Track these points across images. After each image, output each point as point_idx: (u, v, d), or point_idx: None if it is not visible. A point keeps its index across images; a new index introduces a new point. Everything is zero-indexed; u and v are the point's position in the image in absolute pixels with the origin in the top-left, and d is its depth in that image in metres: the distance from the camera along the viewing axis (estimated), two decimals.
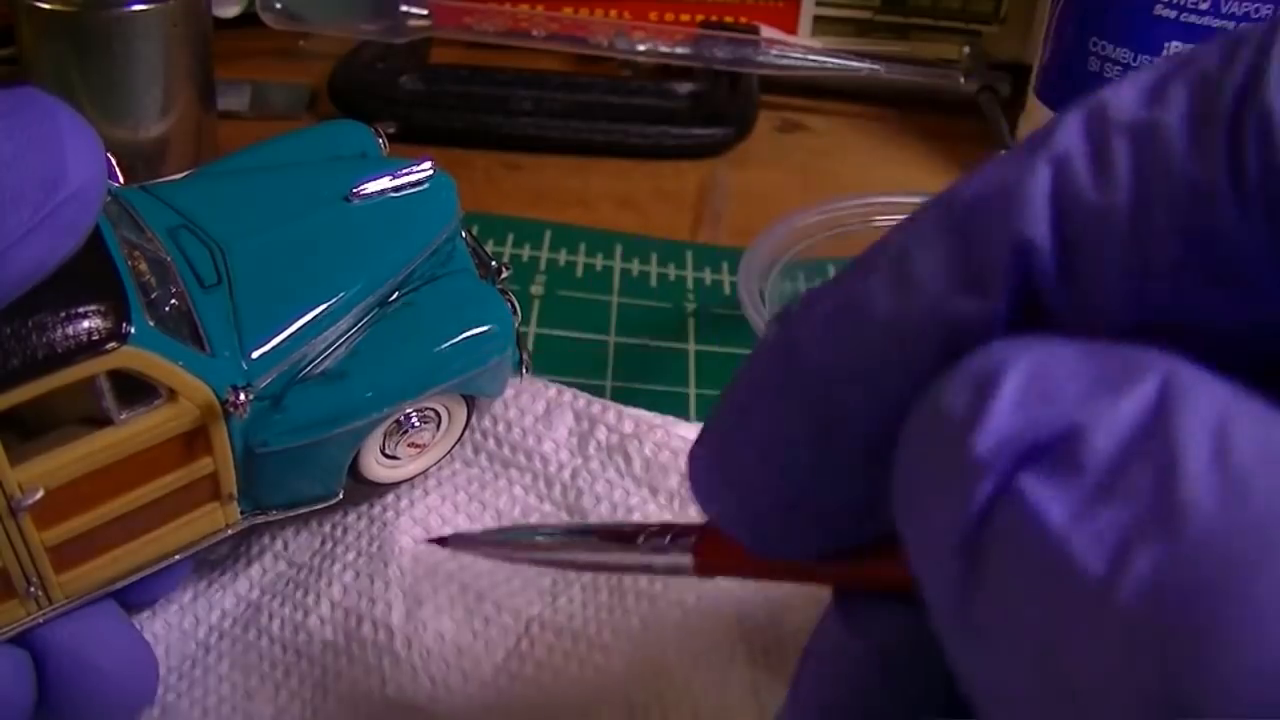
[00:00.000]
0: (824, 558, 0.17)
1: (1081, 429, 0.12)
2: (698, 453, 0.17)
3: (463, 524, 0.34)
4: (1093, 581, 0.11)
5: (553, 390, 0.37)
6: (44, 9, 0.44)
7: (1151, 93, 0.13)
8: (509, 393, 0.36)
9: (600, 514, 0.34)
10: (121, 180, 0.31)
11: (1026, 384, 0.13)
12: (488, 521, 0.34)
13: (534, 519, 0.34)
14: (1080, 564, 0.11)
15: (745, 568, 0.20)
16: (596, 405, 0.36)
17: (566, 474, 0.35)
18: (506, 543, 0.25)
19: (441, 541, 0.27)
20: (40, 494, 0.25)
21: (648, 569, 0.22)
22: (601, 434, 0.35)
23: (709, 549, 0.20)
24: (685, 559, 0.21)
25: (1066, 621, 0.11)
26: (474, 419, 0.36)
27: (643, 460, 0.35)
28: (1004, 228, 0.14)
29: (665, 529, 0.21)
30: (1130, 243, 0.13)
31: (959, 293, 0.14)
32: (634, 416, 0.36)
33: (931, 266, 0.14)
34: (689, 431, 0.37)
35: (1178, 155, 0.13)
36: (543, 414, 0.36)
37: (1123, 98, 0.14)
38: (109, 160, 0.30)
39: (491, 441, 0.36)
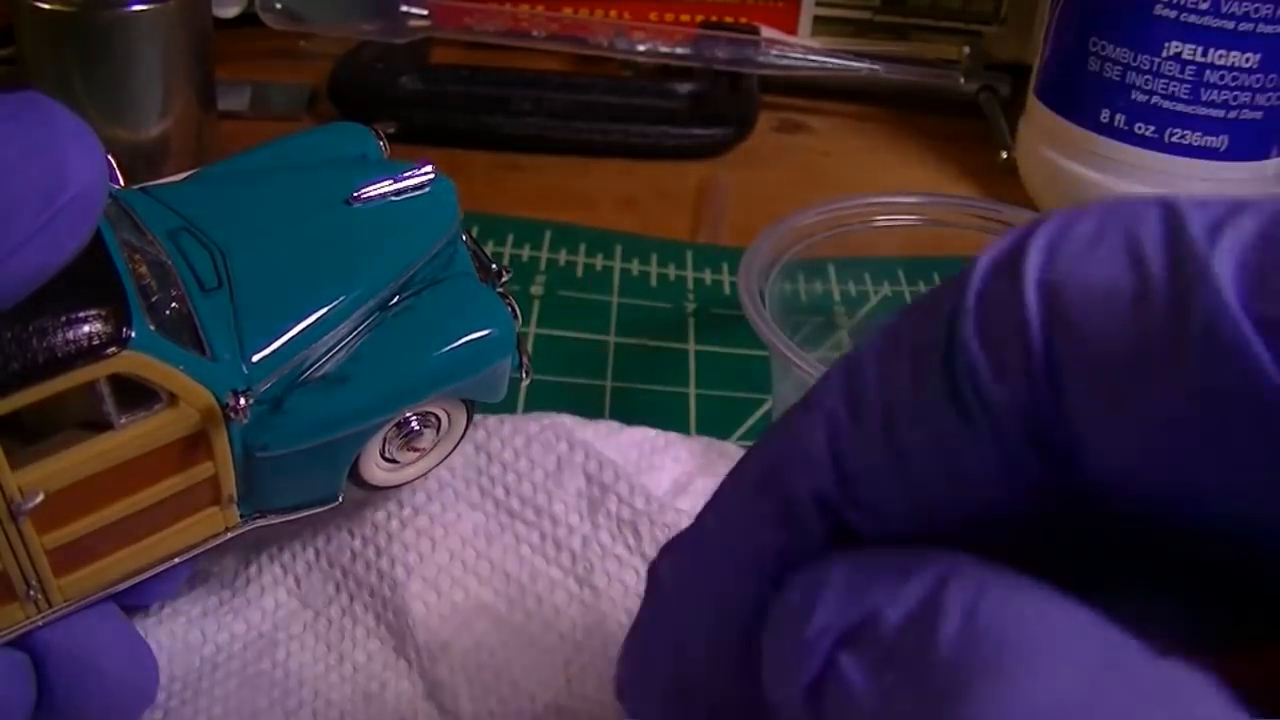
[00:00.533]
0: None
1: (878, 611, 0.15)
2: (620, 670, 0.22)
3: (472, 585, 0.33)
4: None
5: (564, 444, 0.36)
6: (44, 9, 0.44)
7: (888, 351, 0.17)
8: (519, 441, 0.36)
9: (612, 596, 0.33)
10: (122, 182, 0.31)
11: (842, 584, 0.16)
12: (496, 585, 0.33)
13: (541, 585, 0.33)
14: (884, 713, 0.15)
15: None
16: (609, 472, 0.36)
17: (576, 542, 0.34)
18: None
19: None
20: (40, 498, 0.25)
21: None
22: (612, 504, 0.35)
23: None
24: None
25: None
26: (482, 463, 0.35)
27: (653, 541, 0.34)
28: (803, 485, 0.17)
29: None
30: (894, 469, 0.16)
31: (784, 535, 0.18)
32: (645, 492, 0.35)
33: (759, 521, 0.18)
34: (693, 456, 0.37)
35: (905, 388, 0.16)
36: (553, 470, 0.36)
37: (866, 351, 0.17)
38: (109, 162, 0.30)
39: (500, 489, 0.35)
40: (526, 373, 0.34)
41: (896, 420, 0.16)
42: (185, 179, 0.33)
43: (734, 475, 0.20)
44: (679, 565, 0.20)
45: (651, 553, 0.34)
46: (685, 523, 0.35)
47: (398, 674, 0.31)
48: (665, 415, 0.38)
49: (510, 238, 0.51)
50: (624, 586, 0.34)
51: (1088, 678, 0.13)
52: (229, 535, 0.30)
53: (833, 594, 0.16)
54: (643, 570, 0.34)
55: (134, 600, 0.30)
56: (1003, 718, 0.13)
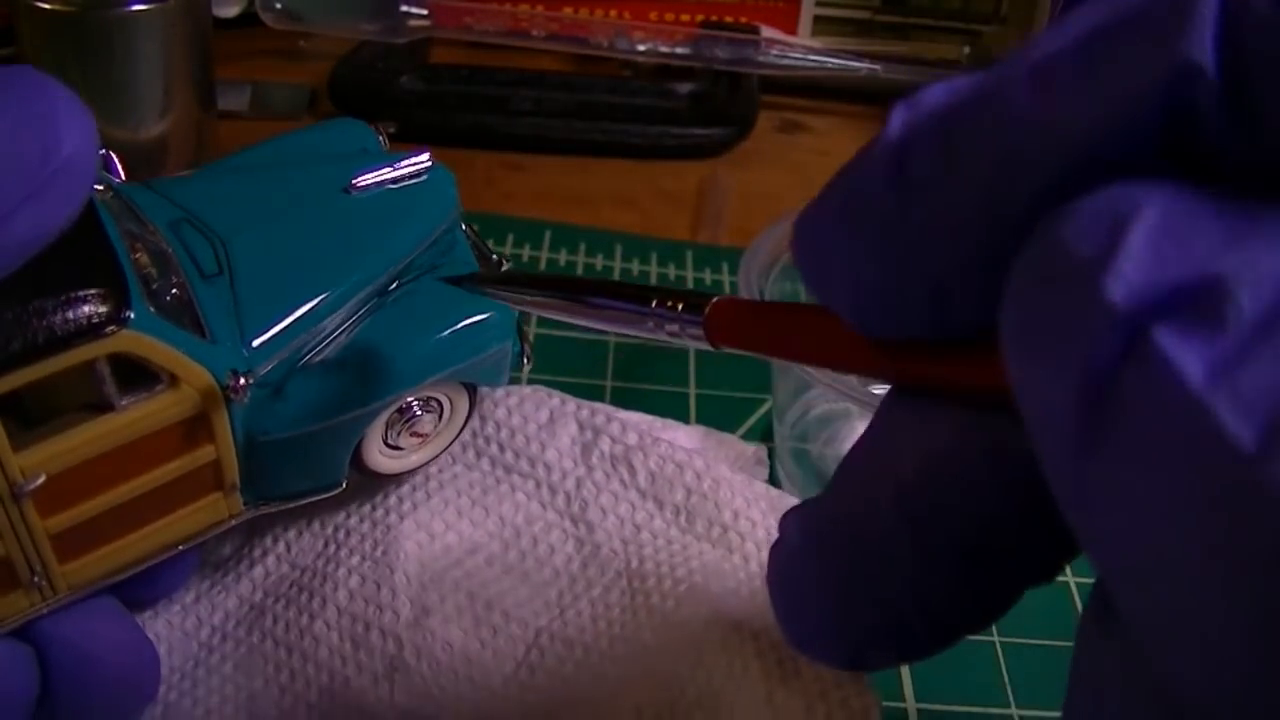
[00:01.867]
0: (906, 347, 0.17)
1: (1224, 280, 0.11)
2: (813, 220, 0.17)
3: (466, 529, 0.34)
4: (1241, 456, 0.10)
5: (555, 399, 0.36)
6: (44, 9, 0.44)
7: None
8: (512, 400, 0.36)
9: (607, 527, 0.34)
10: (123, 176, 0.31)
11: (1162, 225, 0.12)
12: (491, 528, 0.34)
13: (537, 527, 0.34)
14: (1227, 434, 0.10)
15: (758, 341, 0.20)
16: (600, 415, 0.36)
17: (570, 483, 0.35)
18: (520, 289, 0.26)
19: (456, 281, 0.27)
20: (42, 479, 0.25)
21: (657, 332, 0.22)
22: (605, 445, 0.35)
23: (721, 318, 0.20)
24: (697, 327, 0.21)
25: (1205, 496, 0.10)
26: (476, 425, 0.35)
27: (647, 473, 0.34)
28: (1162, 47, 0.12)
29: (679, 296, 0.21)
30: None
31: (1100, 121, 0.13)
32: (637, 428, 0.36)
33: (1076, 84, 0.13)
34: (691, 442, 0.37)
35: None
36: (546, 422, 0.36)
37: None
38: (112, 157, 0.30)
39: (495, 447, 0.36)
40: (528, 359, 0.34)
41: None
42: (185, 174, 0.33)
43: (1054, 32, 0.14)
44: (946, 129, 0.15)
45: (647, 486, 0.34)
46: (677, 454, 0.35)
47: (382, 607, 0.31)
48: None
49: (510, 237, 0.51)
50: (619, 520, 0.34)
51: None
52: (232, 522, 0.30)
53: (1148, 233, 0.12)
54: (636, 503, 0.34)
55: (139, 595, 0.30)
56: None
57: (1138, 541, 0.11)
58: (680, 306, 0.21)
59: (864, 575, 0.17)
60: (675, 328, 0.21)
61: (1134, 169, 0.13)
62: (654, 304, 0.22)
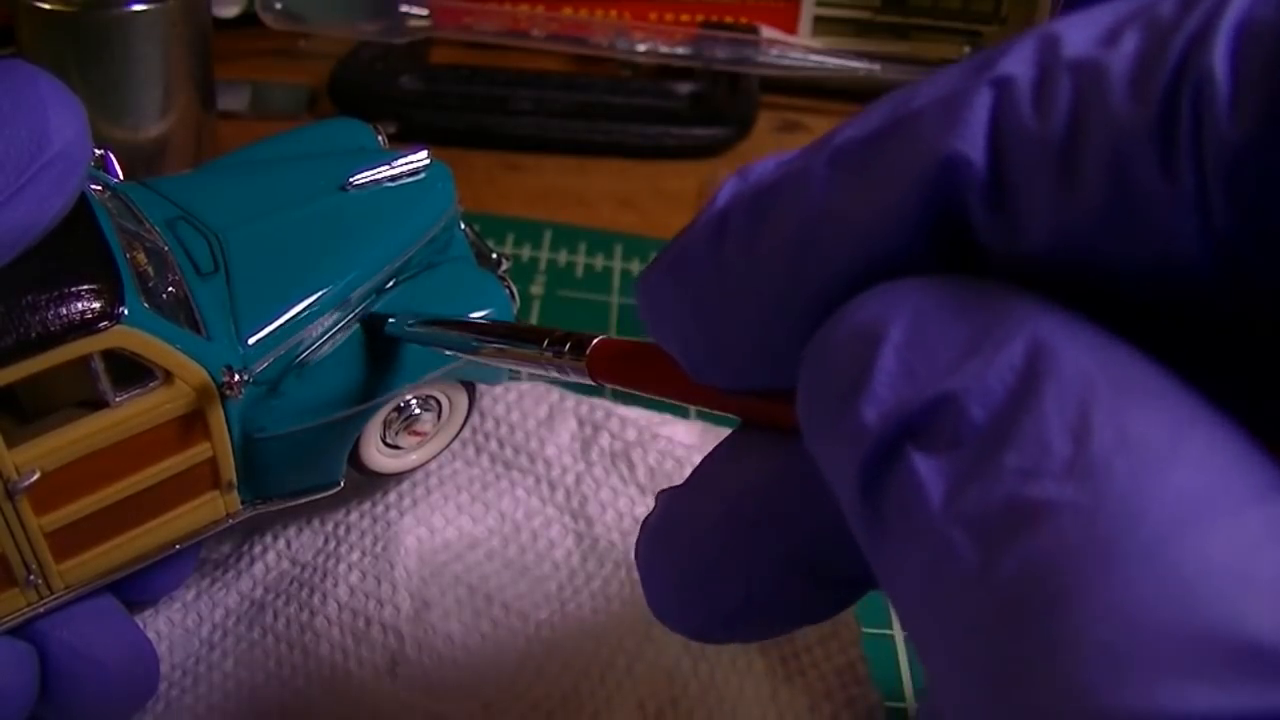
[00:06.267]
0: (738, 391, 0.18)
1: (959, 396, 0.13)
2: (650, 277, 0.19)
3: (466, 524, 0.34)
4: (969, 571, 0.12)
5: (555, 395, 0.36)
6: (44, 9, 0.44)
7: (1105, 33, 0.13)
8: (511, 396, 0.36)
9: (606, 521, 0.34)
10: (121, 176, 0.31)
11: (910, 340, 0.13)
12: (491, 523, 0.34)
13: (537, 522, 0.34)
14: (957, 554, 0.12)
15: (636, 381, 0.21)
16: (599, 411, 0.36)
17: (570, 479, 0.35)
18: (431, 332, 0.28)
19: (372, 325, 0.29)
20: (36, 476, 0.25)
21: (547, 369, 0.24)
22: (605, 440, 0.35)
23: (601, 358, 0.22)
24: (580, 363, 0.23)
25: (945, 595, 0.12)
26: (476, 421, 0.35)
27: (646, 469, 0.35)
28: (938, 145, 0.14)
29: (567, 337, 0.23)
30: (1059, 174, 0.13)
31: (875, 213, 0.14)
32: (636, 424, 0.36)
33: (859, 174, 0.15)
34: (690, 438, 0.37)
35: (1116, 98, 0.13)
36: (545, 418, 0.36)
37: (1077, 33, 0.14)
38: (110, 157, 0.30)
39: (494, 443, 0.36)
40: None
41: (1087, 121, 0.13)
42: (183, 174, 0.33)
43: (860, 117, 0.16)
44: (759, 206, 0.16)
45: (646, 481, 0.34)
46: (676, 450, 0.35)
47: (382, 602, 0.31)
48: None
49: (510, 237, 0.51)
50: (618, 514, 0.34)
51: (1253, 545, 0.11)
52: (230, 522, 0.30)
53: (893, 358, 0.13)
54: (636, 498, 0.34)
55: (139, 595, 0.30)
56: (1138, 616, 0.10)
57: (907, 607, 0.13)
58: (569, 346, 0.23)
59: (696, 570, 0.19)
60: (563, 366, 0.23)
61: (911, 261, 0.14)
62: (545, 344, 0.24)
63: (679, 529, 0.19)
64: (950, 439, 0.13)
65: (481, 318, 0.31)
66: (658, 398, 0.21)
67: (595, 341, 0.22)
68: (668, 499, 0.20)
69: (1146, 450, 0.11)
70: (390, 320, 0.29)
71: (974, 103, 0.14)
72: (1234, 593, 0.10)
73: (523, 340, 0.25)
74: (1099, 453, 0.11)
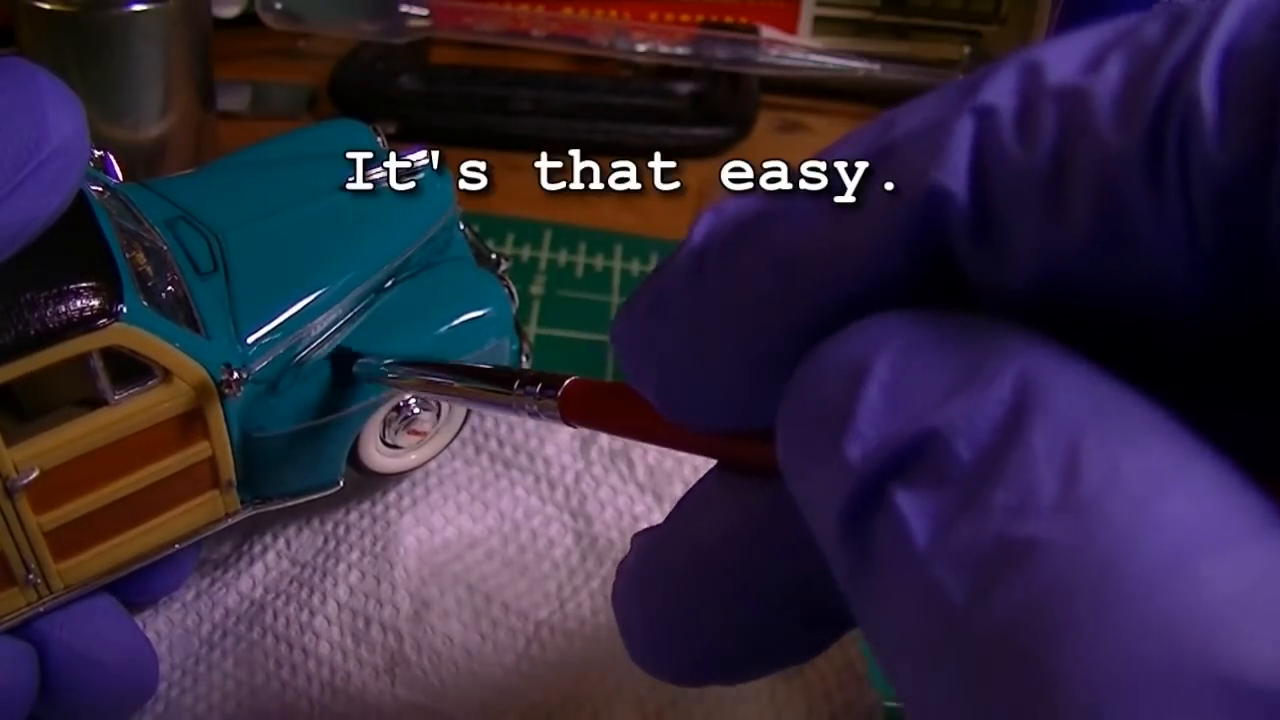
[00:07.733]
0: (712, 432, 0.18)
1: (945, 433, 0.12)
2: (627, 319, 0.18)
3: (466, 524, 0.34)
4: (955, 608, 0.12)
5: None
6: (44, 9, 0.44)
7: (1089, 59, 0.13)
8: None
9: (606, 520, 0.34)
10: (121, 177, 0.31)
11: (894, 377, 0.13)
12: (490, 522, 0.34)
13: (537, 521, 0.34)
14: (945, 591, 0.12)
15: (610, 422, 0.21)
16: None
17: (569, 478, 0.35)
18: (401, 371, 0.28)
19: (342, 361, 0.29)
20: (35, 474, 0.25)
21: (519, 410, 0.23)
22: (604, 439, 0.35)
23: (573, 398, 0.22)
24: (552, 404, 0.22)
25: (929, 635, 0.12)
26: (476, 420, 0.35)
27: (646, 467, 0.35)
28: (920, 175, 0.14)
29: (538, 378, 0.23)
30: (1045, 205, 0.13)
31: (862, 234, 0.14)
32: None
33: (838, 212, 0.15)
34: None
35: (1102, 126, 0.13)
36: None
37: (1060, 60, 0.13)
38: (109, 158, 0.30)
39: (493, 443, 0.36)
40: (527, 356, 0.34)
41: (1073, 150, 0.13)
42: (183, 174, 0.33)
43: (840, 142, 0.15)
44: (737, 240, 0.16)
45: (646, 480, 0.34)
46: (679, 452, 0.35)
47: (382, 602, 0.31)
48: None
49: (510, 237, 0.51)
50: (617, 513, 0.34)
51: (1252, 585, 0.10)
52: (229, 521, 0.30)
53: (879, 393, 0.13)
54: (635, 497, 0.34)
55: (138, 595, 0.30)
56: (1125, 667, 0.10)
57: (888, 649, 0.13)
58: (540, 387, 0.23)
59: (674, 615, 0.18)
60: (535, 408, 0.23)
61: (895, 294, 0.14)
62: (516, 385, 0.23)
63: (656, 574, 0.19)
64: (936, 477, 0.12)
65: (480, 317, 0.31)
66: (633, 440, 0.21)
67: (567, 383, 0.22)
68: (644, 543, 0.19)
69: (1138, 487, 0.11)
70: (361, 360, 0.29)
71: (956, 132, 0.14)
72: (1230, 633, 0.10)
73: (493, 382, 0.24)
74: (1090, 490, 0.11)
